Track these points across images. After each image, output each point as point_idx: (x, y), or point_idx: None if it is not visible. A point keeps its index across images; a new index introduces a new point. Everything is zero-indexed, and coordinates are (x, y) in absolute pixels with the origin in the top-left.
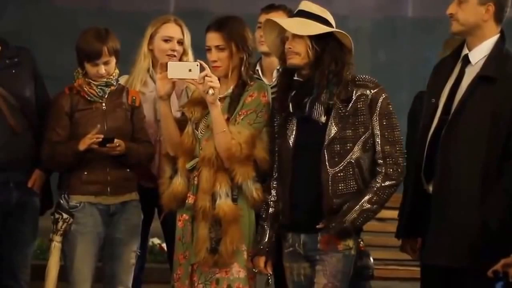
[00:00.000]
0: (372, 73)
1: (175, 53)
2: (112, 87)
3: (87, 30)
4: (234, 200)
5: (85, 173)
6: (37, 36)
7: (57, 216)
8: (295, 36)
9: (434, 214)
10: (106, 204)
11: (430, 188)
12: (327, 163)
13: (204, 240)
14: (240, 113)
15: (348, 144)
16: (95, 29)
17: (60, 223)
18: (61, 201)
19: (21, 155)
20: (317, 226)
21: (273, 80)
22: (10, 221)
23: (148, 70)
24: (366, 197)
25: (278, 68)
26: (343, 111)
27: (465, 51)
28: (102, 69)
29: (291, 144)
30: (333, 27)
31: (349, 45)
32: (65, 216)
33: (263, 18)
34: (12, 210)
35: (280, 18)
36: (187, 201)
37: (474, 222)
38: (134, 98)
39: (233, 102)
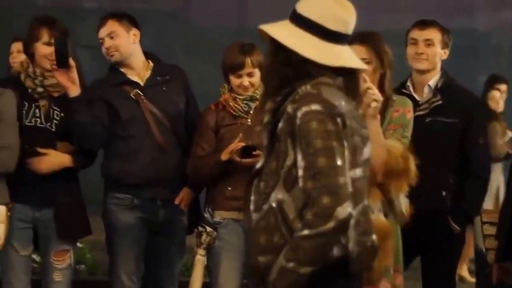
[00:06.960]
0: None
1: None
2: (258, 102)
3: (232, 44)
4: (385, 215)
5: (229, 188)
6: (174, 54)
7: (201, 229)
8: None
9: None
10: None
11: None
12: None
13: None
14: (388, 128)
15: None
16: (239, 43)
17: (204, 237)
18: (206, 215)
19: (169, 172)
20: None
21: (424, 96)
22: (157, 239)
23: None
24: (284, 251)
25: (429, 84)
26: None
27: None
28: (246, 81)
29: None
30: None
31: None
32: (208, 229)
33: (415, 34)
34: (159, 227)
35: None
36: None
37: None
38: None
39: None
